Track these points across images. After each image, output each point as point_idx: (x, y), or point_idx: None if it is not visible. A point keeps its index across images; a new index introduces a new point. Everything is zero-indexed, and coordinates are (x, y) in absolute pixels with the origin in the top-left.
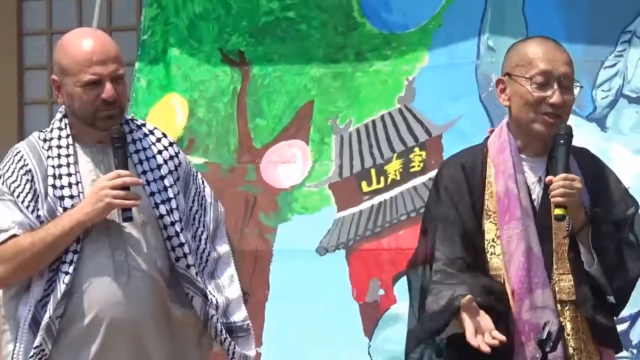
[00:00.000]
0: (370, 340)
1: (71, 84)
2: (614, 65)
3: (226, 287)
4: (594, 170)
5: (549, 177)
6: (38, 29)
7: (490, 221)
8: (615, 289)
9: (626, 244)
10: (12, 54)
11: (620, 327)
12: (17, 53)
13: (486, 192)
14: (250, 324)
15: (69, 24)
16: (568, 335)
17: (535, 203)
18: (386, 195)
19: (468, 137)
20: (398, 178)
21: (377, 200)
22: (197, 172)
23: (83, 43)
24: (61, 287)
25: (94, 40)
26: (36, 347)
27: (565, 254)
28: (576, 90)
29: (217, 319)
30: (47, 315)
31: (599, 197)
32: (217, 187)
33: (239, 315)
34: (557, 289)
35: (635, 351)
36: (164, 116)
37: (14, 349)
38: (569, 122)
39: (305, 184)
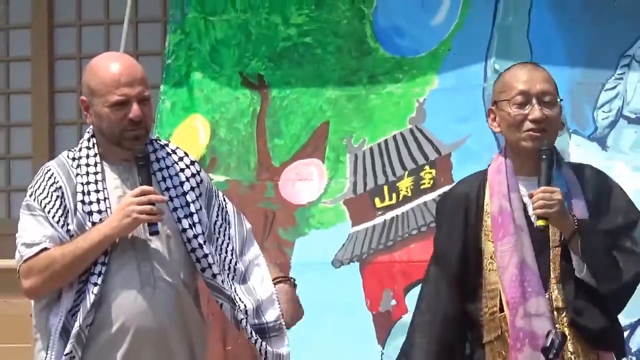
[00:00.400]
0: (383, 348)
1: (99, 105)
2: (614, 87)
3: (257, 288)
4: (596, 184)
5: (531, 191)
6: (68, 54)
7: (489, 240)
8: (607, 292)
9: (622, 250)
10: (44, 77)
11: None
12: (48, 77)
13: (484, 213)
14: (283, 323)
15: (98, 48)
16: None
17: (532, 219)
18: (398, 211)
19: (475, 155)
20: (409, 194)
21: (389, 215)
22: (218, 190)
23: (111, 66)
24: (90, 298)
25: (122, 63)
26: (67, 354)
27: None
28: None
29: (247, 322)
30: (77, 324)
31: (600, 207)
32: (237, 203)
33: (271, 314)
34: (553, 297)
35: (634, 358)
36: (188, 136)
37: (45, 357)
38: (572, 142)
39: (321, 201)
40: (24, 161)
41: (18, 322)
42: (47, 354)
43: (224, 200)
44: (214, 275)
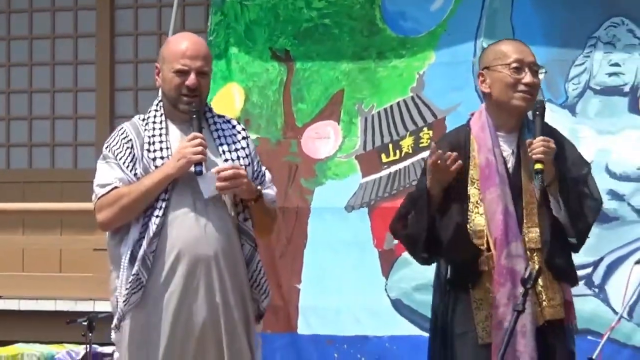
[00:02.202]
0: (387, 280)
1: (166, 70)
2: (583, 64)
3: None
4: (554, 139)
5: (529, 140)
6: (127, 32)
7: (475, 187)
8: (577, 231)
9: (584, 196)
10: (107, 51)
11: (584, 271)
12: (110, 51)
13: (470, 163)
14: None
15: (152, 27)
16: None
17: (510, 171)
18: (401, 165)
19: (466, 119)
20: (410, 151)
21: (393, 168)
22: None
23: (182, 41)
24: (153, 228)
25: (190, 40)
26: (134, 274)
27: (533, 211)
28: (541, 75)
29: (261, 265)
30: (141, 250)
31: (559, 159)
32: (267, 157)
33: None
34: (526, 239)
35: (597, 290)
36: (226, 100)
37: (117, 282)
38: (547, 110)
39: (336, 156)
40: (87, 121)
41: (82, 256)
42: (118, 279)
43: (264, 168)
44: (245, 219)
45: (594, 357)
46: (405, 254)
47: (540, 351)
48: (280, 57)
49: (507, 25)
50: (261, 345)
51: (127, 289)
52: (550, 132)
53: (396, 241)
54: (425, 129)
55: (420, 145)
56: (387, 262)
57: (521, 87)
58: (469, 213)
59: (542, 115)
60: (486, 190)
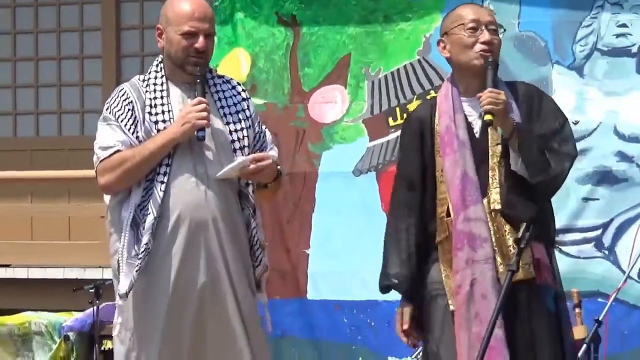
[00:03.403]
0: None
1: (172, 32)
2: (590, 25)
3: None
4: (528, 95)
5: (478, 94)
6: (134, 25)
7: (439, 156)
8: (537, 183)
9: (550, 150)
10: (112, 16)
11: (593, 234)
12: (115, 15)
13: (436, 133)
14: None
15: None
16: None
17: (476, 135)
18: None
19: None
20: None
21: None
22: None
23: (188, 2)
24: (159, 194)
25: (196, 1)
26: (145, 244)
27: (497, 173)
28: (501, 35)
29: (256, 231)
30: (151, 218)
31: (532, 114)
32: (274, 122)
33: (262, 234)
34: (491, 200)
35: (607, 252)
36: (232, 66)
37: (119, 246)
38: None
39: (343, 120)
40: (94, 87)
41: (90, 223)
42: (120, 242)
43: (264, 127)
44: (247, 185)
45: (600, 318)
46: None
47: (510, 311)
48: (286, 22)
49: None
50: (267, 310)
51: (139, 257)
52: (525, 89)
53: None
54: (432, 92)
55: None
56: None
57: (478, 47)
58: (436, 182)
59: (494, 69)
60: (445, 157)
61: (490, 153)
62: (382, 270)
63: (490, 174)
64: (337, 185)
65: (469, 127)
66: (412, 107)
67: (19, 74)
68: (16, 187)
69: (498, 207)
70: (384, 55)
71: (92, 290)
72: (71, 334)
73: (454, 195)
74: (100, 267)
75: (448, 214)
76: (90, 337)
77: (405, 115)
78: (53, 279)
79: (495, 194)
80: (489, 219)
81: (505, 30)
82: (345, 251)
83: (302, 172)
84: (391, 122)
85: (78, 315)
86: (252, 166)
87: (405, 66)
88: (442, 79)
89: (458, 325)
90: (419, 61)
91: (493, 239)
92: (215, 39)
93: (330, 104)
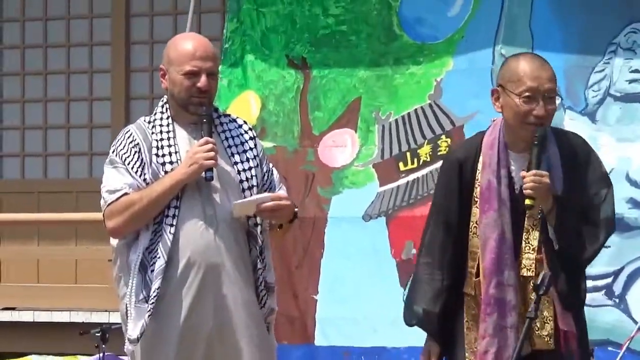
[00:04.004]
0: (404, 290)
1: (175, 72)
2: (603, 70)
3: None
4: (573, 152)
5: (523, 173)
6: (143, 40)
7: (476, 206)
8: (570, 257)
9: (587, 221)
10: (122, 59)
11: (604, 281)
12: (125, 59)
13: (476, 181)
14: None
15: (167, 35)
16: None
17: (516, 191)
18: (418, 174)
19: (484, 127)
20: (428, 159)
21: (411, 177)
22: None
23: (189, 42)
24: (169, 237)
25: (198, 41)
26: (157, 288)
27: (531, 237)
28: (557, 101)
29: (262, 272)
30: (161, 262)
31: (575, 177)
32: (283, 166)
33: (272, 276)
34: (522, 264)
35: (617, 300)
36: (242, 109)
37: (127, 289)
38: (567, 116)
39: (353, 164)
40: (103, 130)
41: (97, 266)
42: (128, 286)
43: (271, 165)
44: (256, 225)
45: None
46: None
47: None
48: (296, 65)
49: (526, 31)
50: (275, 354)
51: (151, 302)
52: (574, 144)
53: (414, 251)
54: (443, 136)
55: (439, 153)
56: (405, 272)
57: (531, 119)
58: (469, 232)
59: (541, 146)
60: (483, 214)
61: (527, 214)
62: (409, 306)
63: (524, 236)
64: (346, 231)
65: (511, 183)
66: (423, 151)
67: (28, 115)
68: (23, 229)
69: (528, 273)
70: (395, 99)
71: (99, 334)
72: None
73: (489, 257)
74: (107, 310)
75: (477, 274)
76: None
77: (415, 160)
78: (59, 322)
79: (526, 260)
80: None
81: (562, 98)
82: (354, 297)
83: (312, 217)
84: (402, 167)
85: (83, 359)
86: (270, 203)
87: (416, 110)
88: (453, 124)
89: None
90: (430, 105)
91: (519, 306)
92: (225, 80)
93: (340, 148)
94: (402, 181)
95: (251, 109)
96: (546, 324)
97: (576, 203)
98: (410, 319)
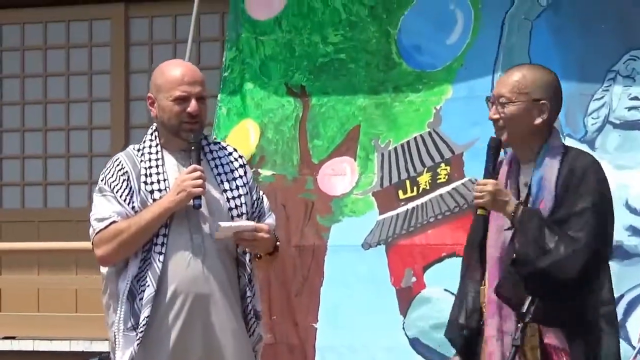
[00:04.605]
0: (404, 318)
1: (164, 99)
2: (602, 98)
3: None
4: (571, 169)
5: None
6: (142, 68)
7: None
8: (522, 274)
9: (561, 235)
10: (122, 88)
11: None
12: (124, 87)
13: None
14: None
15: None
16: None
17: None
18: (418, 202)
19: (483, 155)
20: (428, 188)
21: (411, 205)
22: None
23: (176, 68)
24: (158, 265)
25: (185, 66)
26: (146, 317)
27: None
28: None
29: (251, 300)
30: (151, 290)
31: (567, 193)
32: (282, 194)
33: (259, 304)
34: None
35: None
36: (241, 137)
37: (116, 317)
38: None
39: (353, 192)
40: (102, 158)
41: (97, 295)
42: (116, 314)
43: (262, 193)
44: (244, 252)
45: None
46: (424, 292)
47: None
48: (295, 93)
49: (525, 58)
50: None
51: (141, 331)
52: (574, 160)
53: (414, 279)
54: (442, 164)
55: (438, 181)
56: (405, 300)
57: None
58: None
59: (494, 151)
60: (491, 222)
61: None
62: (449, 319)
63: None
64: (346, 259)
65: (518, 194)
66: (422, 179)
67: (27, 144)
68: (23, 258)
69: None
70: (394, 127)
71: None
72: None
73: (491, 260)
74: (106, 339)
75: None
76: None
77: (415, 188)
78: (59, 351)
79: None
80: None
81: (562, 125)
82: (354, 325)
83: (311, 245)
84: (401, 195)
85: None
86: (247, 234)
87: (415, 138)
88: (452, 152)
89: None
90: (429, 133)
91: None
92: (224, 108)
93: (339, 177)
94: (401, 209)
95: (250, 137)
96: (531, 337)
97: (559, 217)
98: (445, 333)
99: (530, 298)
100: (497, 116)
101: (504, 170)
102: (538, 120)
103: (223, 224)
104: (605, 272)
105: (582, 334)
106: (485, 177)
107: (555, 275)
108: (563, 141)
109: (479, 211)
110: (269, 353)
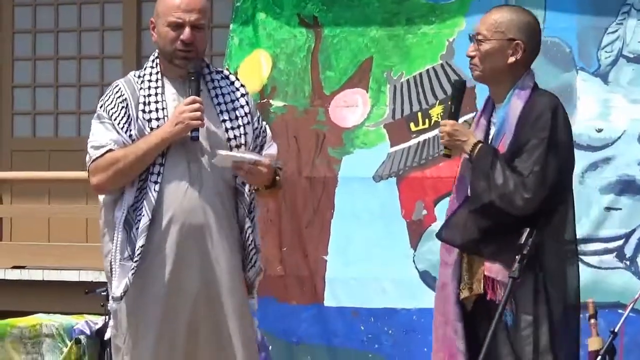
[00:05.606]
0: (415, 251)
1: (161, 24)
2: (616, 31)
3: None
4: (531, 109)
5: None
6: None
7: None
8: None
9: (512, 169)
10: (132, 45)
11: (615, 244)
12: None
13: None
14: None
15: None
16: None
17: (489, 140)
18: (430, 134)
19: None
20: (439, 120)
21: (422, 138)
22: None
23: None
24: (154, 194)
25: None
26: (141, 246)
27: None
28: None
29: (252, 231)
30: (145, 219)
31: (522, 132)
32: (294, 125)
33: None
34: None
35: (628, 263)
36: (252, 68)
37: (112, 245)
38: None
39: (365, 124)
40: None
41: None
42: (113, 242)
43: (264, 123)
44: (243, 184)
45: (615, 329)
46: (434, 225)
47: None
48: (308, 24)
49: None
50: (256, 312)
51: (135, 260)
52: (536, 102)
53: (425, 212)
54: None
55: None
56: (416, 233)
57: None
58: None
59: (458, 92)
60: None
61: None
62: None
63: None
64: (357, 191)
65: (488, 132)
66: (434, 112)
67: (39, 73)
68: (34, 187)
69: None
70: (407, 59)
71: (104, 293)
72: (82, 337)
73: (452, 194)
74: None
75: None
76: (102, 340)
77: (427, 121)
78: (68, 281)
79: None
80: None
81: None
82: (364, 258)
83: (322, 177)
84: (413, 128)
85: (90, 318)
86: (245, 165)
87: (427, 71)
88: None
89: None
90: (442, 66)
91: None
92: (236, 39)
93: (351, 108)
94: (413, 142)
95: (262, 67)
96: (478, 270)
97: (512, 151)
98: None
99: (527, 230)
100: (473, 53)
101: (482, 106)
102: (511, 60)
103: (222, 152)
104: (566, 208)
105: (539, 266)
106: (445, 117)
107: (505, 208)
108: (576, 75)
109: (444, 151)
110: (278, 285)
